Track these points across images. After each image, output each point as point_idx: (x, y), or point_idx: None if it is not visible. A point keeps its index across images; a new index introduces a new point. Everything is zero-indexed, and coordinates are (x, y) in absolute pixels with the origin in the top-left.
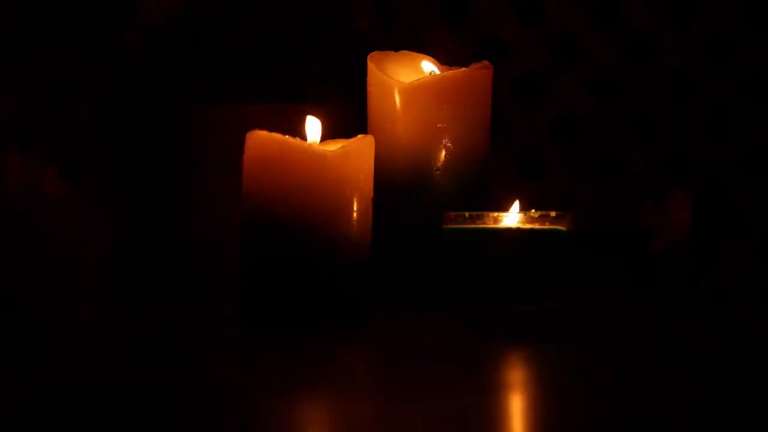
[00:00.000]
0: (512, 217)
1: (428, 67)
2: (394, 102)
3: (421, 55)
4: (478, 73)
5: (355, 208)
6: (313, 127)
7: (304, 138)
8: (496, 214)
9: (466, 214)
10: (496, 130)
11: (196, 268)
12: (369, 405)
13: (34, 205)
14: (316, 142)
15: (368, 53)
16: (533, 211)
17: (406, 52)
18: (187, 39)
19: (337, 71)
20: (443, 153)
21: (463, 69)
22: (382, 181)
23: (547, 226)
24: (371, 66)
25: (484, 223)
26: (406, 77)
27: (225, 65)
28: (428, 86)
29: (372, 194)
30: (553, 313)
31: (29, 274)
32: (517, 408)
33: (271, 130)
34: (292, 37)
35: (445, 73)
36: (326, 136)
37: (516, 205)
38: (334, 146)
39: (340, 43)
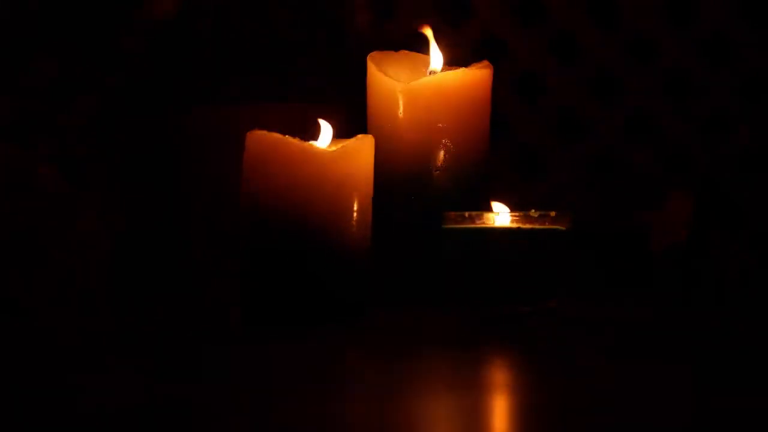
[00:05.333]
0: (502, 217)
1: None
2: (394, 102)
3: (421, 55)
4: (478, 72)
5: (355, 208)
6: (325, 130)
7: (312, 137)
8: (495, 213)
9: (466, 214)
10: (496, 130)
11: (196, 268)
12: (368, 404)
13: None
14: (315, 142)
15: (368, 53)
16: (533, 211)
17: (406, 52)
18: (187, 39)
19: (337, 71)
20: (443, 153)
21: (463, 69)
22: (382, 181)
23: (546, 226)
24: (371, 66)
25: (484, 223)
26: (406, 77)
27: (225, 65)
28: (428, 86)
29: (372, 194)
30: (553, 313)
31: (29, 273)
32: (516, 408)
33: (271, 129)
34: (292, 37)
35: (445, 72)
36: None
37: (498, 205)
38: (334, 146)
39: (340, 42)
